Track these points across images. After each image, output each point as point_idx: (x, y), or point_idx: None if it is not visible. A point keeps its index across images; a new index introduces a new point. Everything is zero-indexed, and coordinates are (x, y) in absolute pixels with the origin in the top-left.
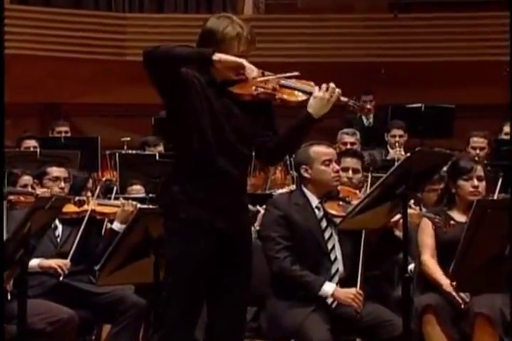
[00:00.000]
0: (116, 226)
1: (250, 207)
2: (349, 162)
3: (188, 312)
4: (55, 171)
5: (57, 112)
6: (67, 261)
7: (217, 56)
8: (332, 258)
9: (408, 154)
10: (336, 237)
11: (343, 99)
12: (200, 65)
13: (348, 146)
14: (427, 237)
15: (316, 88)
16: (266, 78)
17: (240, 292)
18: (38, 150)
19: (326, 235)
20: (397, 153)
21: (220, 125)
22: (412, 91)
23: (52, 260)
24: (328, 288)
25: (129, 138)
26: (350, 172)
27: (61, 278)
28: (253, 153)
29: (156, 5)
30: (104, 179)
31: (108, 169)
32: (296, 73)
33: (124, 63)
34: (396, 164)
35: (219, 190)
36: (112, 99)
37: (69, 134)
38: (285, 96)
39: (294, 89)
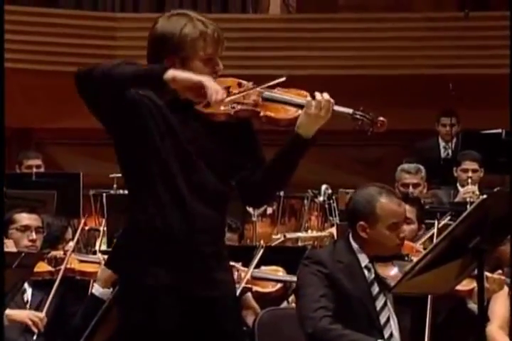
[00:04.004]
0: (97, 290)
1: (285, 276)
2: None
3: None
4: (25, 218)
5: (27, 140)
6: (42, 315)
7: (170, 74)
8: (386, 335)
9: (484, 195)
10: (390, 307)
11: (344, 109)
12: (152, 88)
13: (410, 189)
14: (499, 306)
15: (309, 100)
16: (242, 92)
17: None
18: None
19: (378, 305)
20: (469, 194)
21: (188, 155)
22: (489, 113)
23: (26, 312)
24: None
25: (119, 175)
26: None
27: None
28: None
29: (155, 2)
30: (87, 227)
31: (93, 214)
32: (282, 79)
33: None
34: (468, 208)
35: (193, 243)
36: (98, 123)
37: (42, 169)
38: (272, 114)
39: (282, 102)
